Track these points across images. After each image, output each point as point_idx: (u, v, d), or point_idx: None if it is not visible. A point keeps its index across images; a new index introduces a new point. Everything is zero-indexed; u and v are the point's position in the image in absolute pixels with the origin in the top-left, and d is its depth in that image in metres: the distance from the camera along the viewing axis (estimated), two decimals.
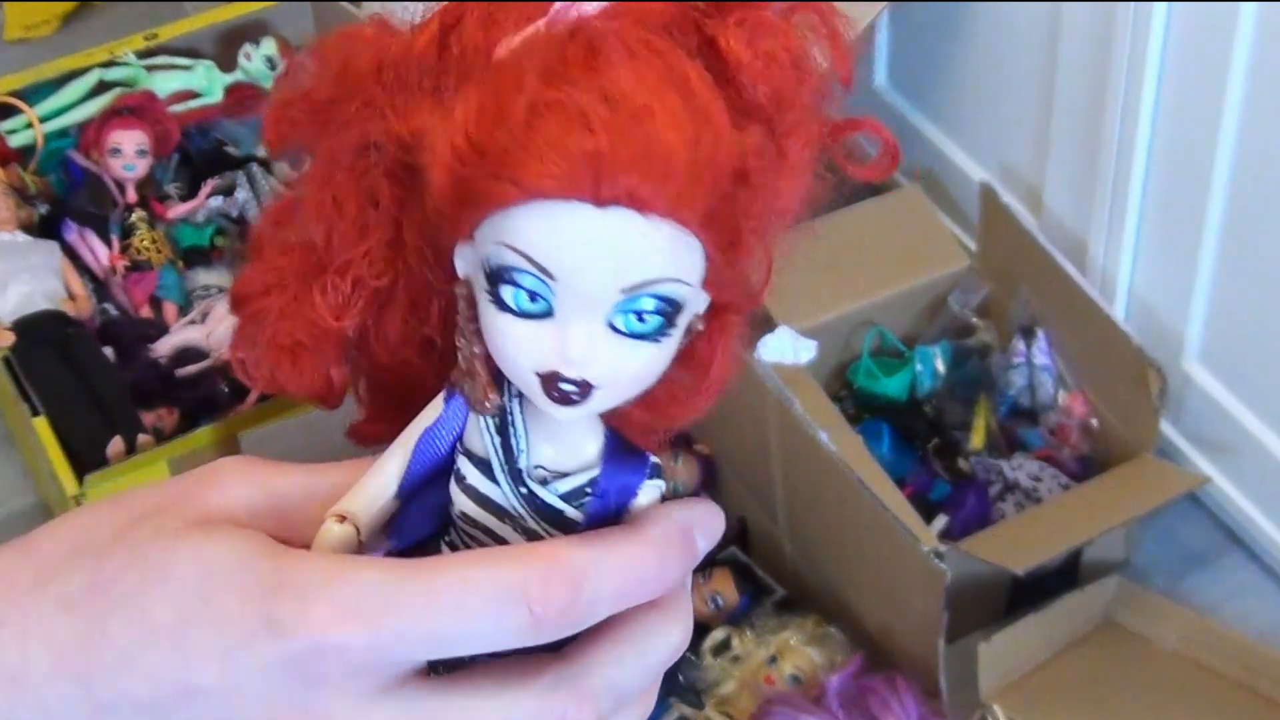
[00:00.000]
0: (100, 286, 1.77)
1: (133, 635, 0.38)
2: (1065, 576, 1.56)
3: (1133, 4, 1.51)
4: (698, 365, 0.42)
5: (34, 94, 1.91)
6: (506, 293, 0.38)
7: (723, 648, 1.48)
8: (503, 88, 0.37)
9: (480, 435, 0.41)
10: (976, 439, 1.65)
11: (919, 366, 1.69)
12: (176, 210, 1.84)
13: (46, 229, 1.79)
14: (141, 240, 1.78)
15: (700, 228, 0.38)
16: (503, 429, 0.41)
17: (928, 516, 1.54)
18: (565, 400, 0.39)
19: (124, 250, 1.77)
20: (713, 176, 0.38)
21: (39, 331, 1.65)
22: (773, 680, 1.44)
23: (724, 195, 0.38)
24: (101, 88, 1.93)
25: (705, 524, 0.41)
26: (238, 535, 0.39)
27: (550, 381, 0.38)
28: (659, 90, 0.37)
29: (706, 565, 1.55)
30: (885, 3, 1.75)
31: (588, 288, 0.38)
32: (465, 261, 0.39)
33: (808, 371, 1.58)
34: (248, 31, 2.01)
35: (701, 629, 1.50)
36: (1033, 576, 1.44)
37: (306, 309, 0.41)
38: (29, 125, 1.89)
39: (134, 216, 1.80)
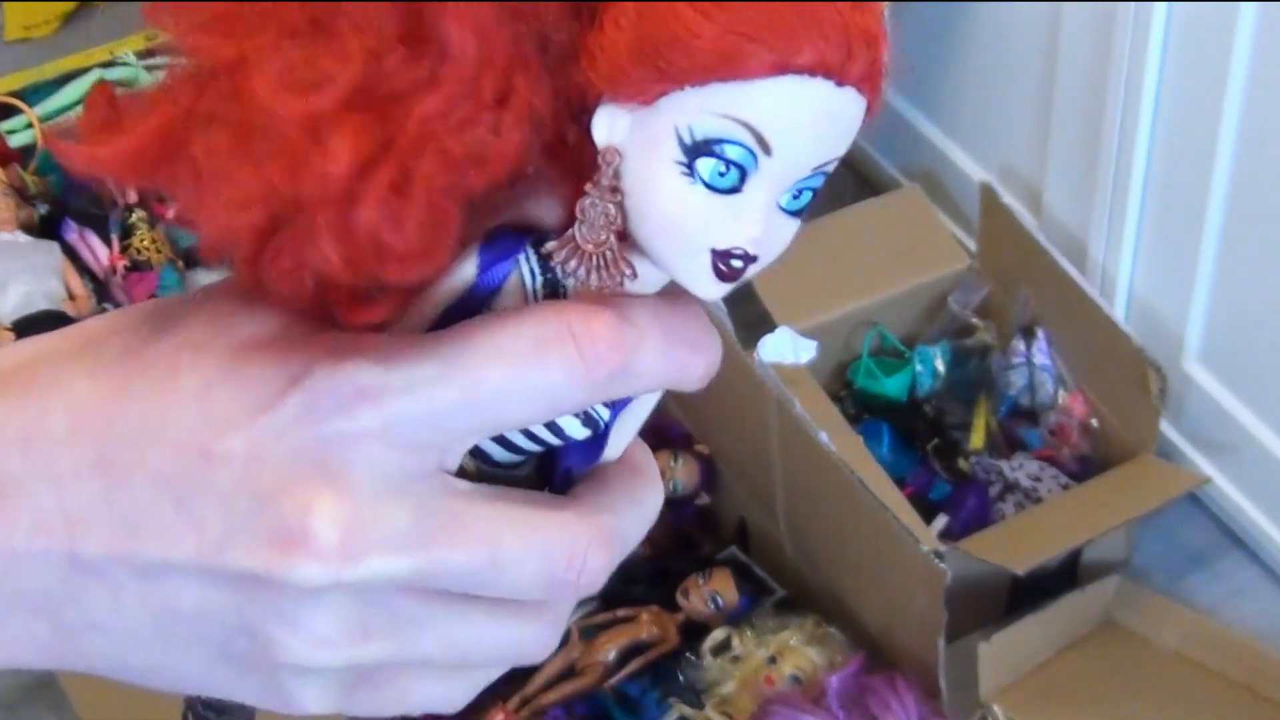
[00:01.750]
0: (100, 286, 1.77)
1: (157, 399, 0.36)
2: (1065, 576, 1.56)
3: (1133, 4, 1.51)
4: None
5: (34, 94, 1.91)
6: (704, 165, 0.36)
7: (723, 648, 1.48)
8: None
9: (525, 301, 0.39)
10: (976, 439, 1.65)
11: (919, 366, 1.69)
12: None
13: (46, 229, 1.79)
14: (142, 240, 1.78)
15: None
16: (552, 296, 0.39)
17: (928, 516, 1.54)
18: (730, 276, 0.37)
19: (124, 250, 1.77)
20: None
21: (39, 332, 1.65)
22: (773, 680, 1.44)
23: None
24: None
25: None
26: (278, 309, 0.37)
27: (725, 258, 0.37)
28: None
29: (706, 565, 1.55)
30: (885, 2, 1.75)
31: (792, 165, 0.37)
32: (621, 127, 0.37)
33: (808, 371, 1.58)
34: None
35: (701, 629, 1.50)
36: (1033, 576, 1.44)
37: (485, 134, 0.35)
38: (29, 125, 1.89)
39: (134, 216, 1.80)
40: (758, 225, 0.37)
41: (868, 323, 1.72)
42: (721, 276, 0.37)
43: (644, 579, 1.56)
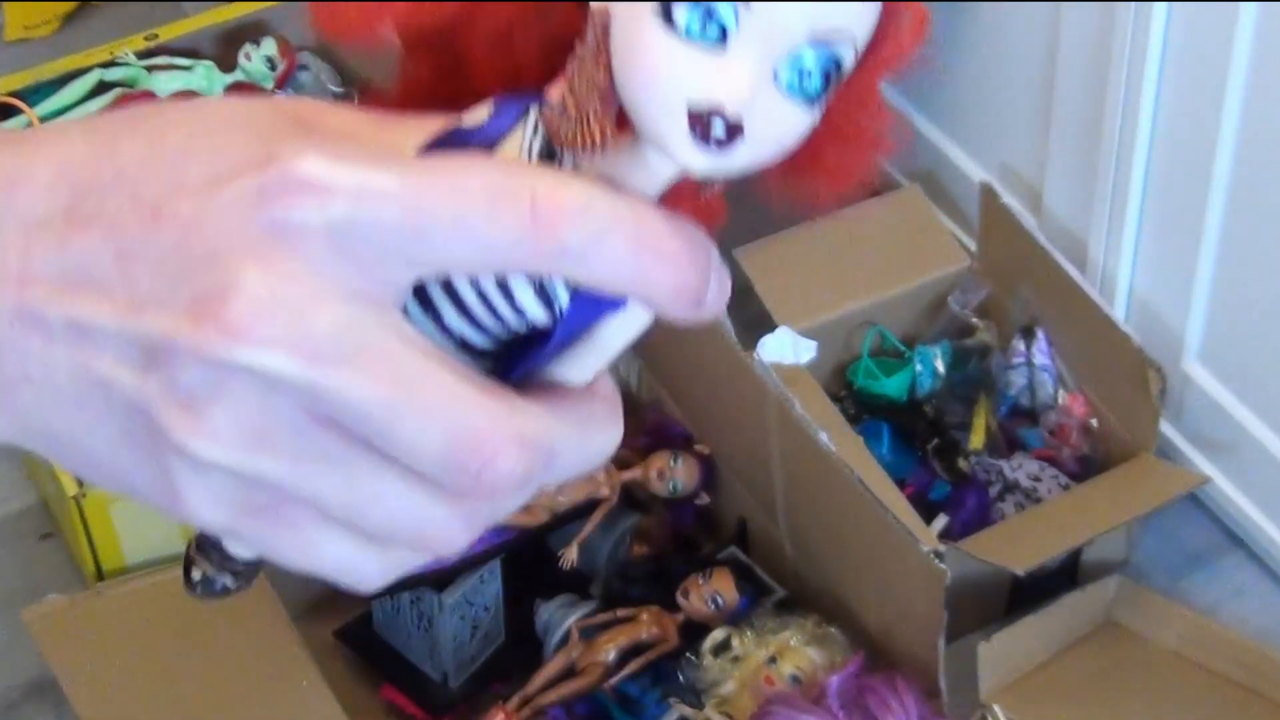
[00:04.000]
0: None
1: (136, 154, 0.36)
2: (1065, 576, 1.56)
3: (1133, 4, 1.51)
4: (847, 127, 0.40)
5: (34, 94, 1.91)
6: (681, 10, 0.35)
7: (723, 648, 1.48)
8: None
9: (520, 158, 0.38)
10: (976, 439, 1.65)
11: (919, 366, 1.69)
12: None
13: None
14: None
15: None
16: (546, 160, 0.37)
17: (928, 516, 1.54)
18: (711, 143, 0.35)
19: None
20: None
21: None
22: (773, 680, 1.44)
23: None
24: (101, 88, 1.92)
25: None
26: (280, 98, 0.39)
27: (702, 119, 0.35)
28: None
29: (706, 565, 1.55)
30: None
31: (782, 22, 0.35)
32: None
33: (808, 371, 1.58)
34: (248, 31, 2.01)
35: (701, 629, 1.50)
36: (1033, 576, 1.44)
37: None
38: (29, 125, 1.89)
39: None
40: (741, 84, 0.35)
41: (868, 323, 1.72)
42: (703, 142, 0.35)
43: (644, 579, 1.56)
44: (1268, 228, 1.51)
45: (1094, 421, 1.63)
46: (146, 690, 1.43)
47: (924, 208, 1.78)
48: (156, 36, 1.98)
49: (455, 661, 1.50)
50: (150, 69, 1.95)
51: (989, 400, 1.67)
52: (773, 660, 1.46)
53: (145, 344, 0.35)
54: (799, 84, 0.36)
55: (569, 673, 1.49)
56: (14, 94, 1.90)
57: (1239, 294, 1.58)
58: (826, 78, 0.36)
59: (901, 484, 1.54)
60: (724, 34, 0.35)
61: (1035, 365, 1.66)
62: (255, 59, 1.97)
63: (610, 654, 1.48)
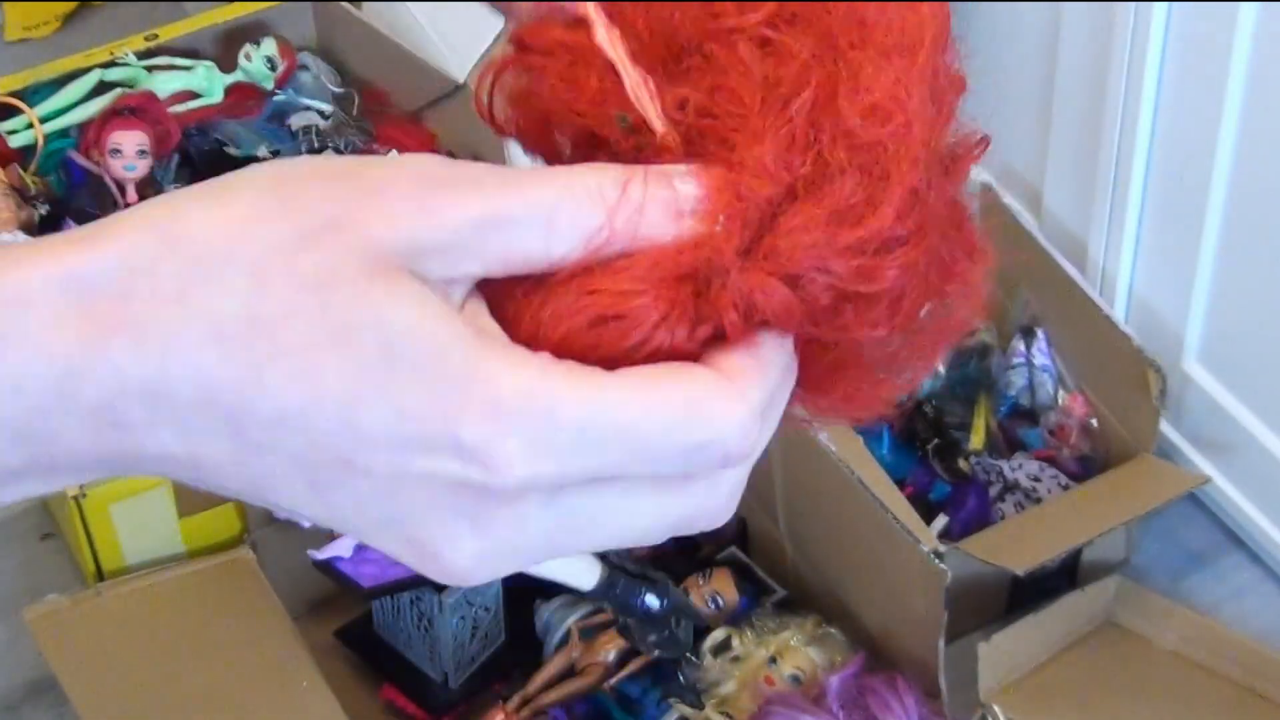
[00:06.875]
0: None
1: (296, 396, 0.35)
2: (1065, 576, 1.56)
3: (1133, 4, 1.51)
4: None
5: (34, 94, 1.91)
6: None
7: (723, 648, 1.48)
8: None
9: None
10: (976, 439, 1.65)
11: None
12: None
13: (47, 229, 1.79)
14: None
15: None
16: None
17: (928, 516, 1.54)
18: None
19: None
20: None
21: None
22: (773, 680, 1.44)
23: None
24: (101, 88, 1.92)
25: None
26: (428, 305, 0.36)
27: None
28: None
29: (706, 565, 1.55)
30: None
31: None
32: None
33: None
34: (248, 32, 2.01)
35: (701, 629, 1.50)
36: (1033, 576, 1.44)
37: None
38: (29, 125, 1.89)
39: None
40: None
41: None
42: None
43: None
44: (1268, 228, 1.51)
45: (1094, 421, 1.63)
46: (146, 690, 1.43)
47: None
48: (156, 36, 1.98)
49: (455, 661, 1.50)
50: (150, 69, 1.95)
51: (989, 400, 1.67)
52: (773, 660, 1.46)
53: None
54: None
55: (569, 673, 1.49)
56: (14, 94, 1.90)
57: (1239, 294, 1.58)
58: None
59: (901, 484, 1.54)
60: None
61: (1035, 365, 1.66)
62: (255, 59, 1.97)
63: (610, 654, 1.48)
